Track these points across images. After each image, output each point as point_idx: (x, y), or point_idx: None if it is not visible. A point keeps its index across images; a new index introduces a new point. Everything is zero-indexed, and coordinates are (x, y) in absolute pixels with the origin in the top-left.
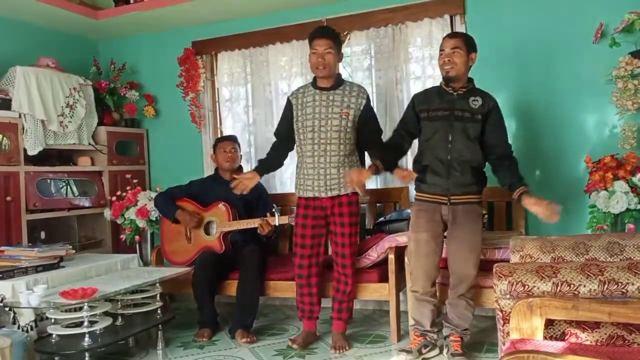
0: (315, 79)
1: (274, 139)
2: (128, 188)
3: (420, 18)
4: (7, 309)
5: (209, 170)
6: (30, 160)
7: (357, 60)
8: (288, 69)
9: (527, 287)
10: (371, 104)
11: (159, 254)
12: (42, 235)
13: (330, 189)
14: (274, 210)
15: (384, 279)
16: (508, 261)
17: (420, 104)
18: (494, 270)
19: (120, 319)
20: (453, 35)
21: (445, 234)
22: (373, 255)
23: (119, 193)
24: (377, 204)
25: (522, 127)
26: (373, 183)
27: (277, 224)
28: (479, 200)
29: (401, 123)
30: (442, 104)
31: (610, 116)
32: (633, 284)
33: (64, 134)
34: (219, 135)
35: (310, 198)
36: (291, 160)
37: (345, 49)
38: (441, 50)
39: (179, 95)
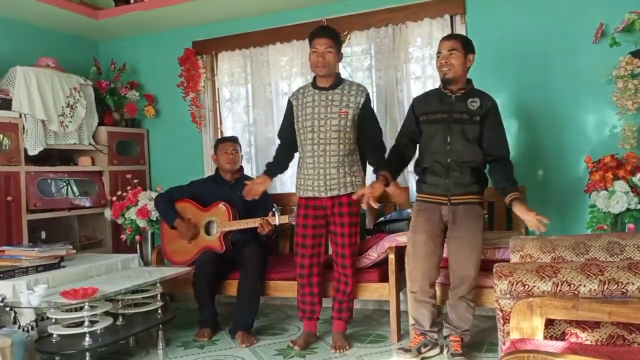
0: (315, 79)
1: (275, 139)
2: (128, 188)
3: (420, 18)
4: (7, 308)
5: (209, 170)
6: (30, 160)
7: (357, 60)
8: (288, 69)
9: (527, 287)
10: (371, 102)
11: (159, 254)
12: (43, 235)
13: (330, 189)
14: (274, 210)
15: (384, 278)
16: (508, 261)
17: (419, 108)
18: (494, 270)
19: (120, 319)
20: (450, 37)
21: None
22: (373, 255)
23: (119, 193)
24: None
25: (522, 127)
26: None
27: (277, 224)
28: (479, 201)
29: (403, 128)
30: (441, 106)
31: (611, 116)
32: (633, 284)
33: (64, 134)
34: (220, 135)
35: (311, 198)
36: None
37: (345, 49)
38: (438, 52)
39: (179, 95)
